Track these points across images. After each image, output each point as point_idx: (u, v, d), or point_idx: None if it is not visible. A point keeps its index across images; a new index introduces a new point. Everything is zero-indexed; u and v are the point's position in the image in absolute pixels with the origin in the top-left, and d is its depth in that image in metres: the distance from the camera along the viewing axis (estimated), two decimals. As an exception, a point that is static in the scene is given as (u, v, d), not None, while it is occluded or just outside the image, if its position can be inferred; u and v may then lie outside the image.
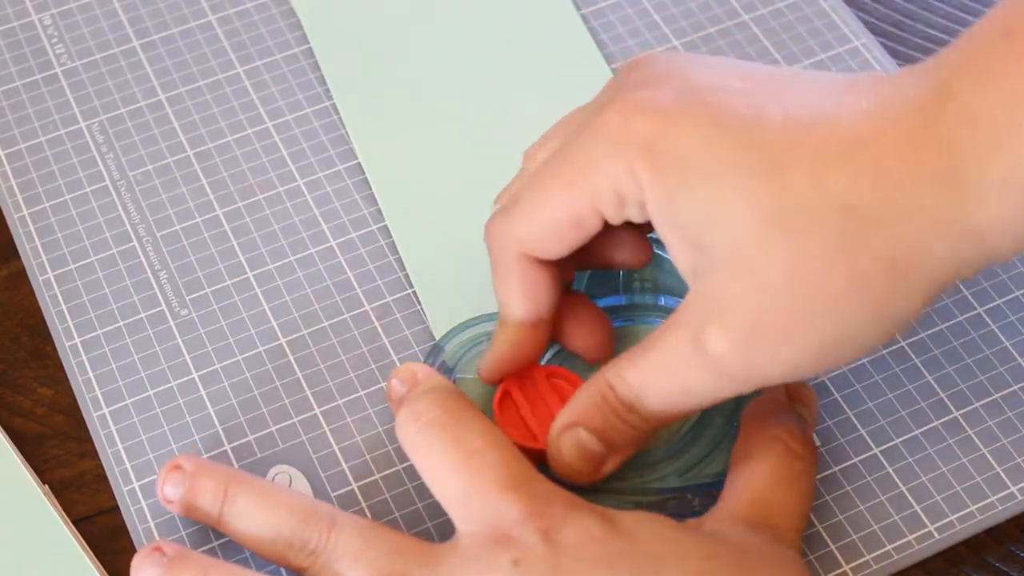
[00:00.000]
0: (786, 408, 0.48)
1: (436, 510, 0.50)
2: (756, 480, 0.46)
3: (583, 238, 0.46)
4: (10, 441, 0.51)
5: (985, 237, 0.41)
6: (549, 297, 0.47)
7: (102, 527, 0.50)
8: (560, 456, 0.46)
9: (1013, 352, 0.52)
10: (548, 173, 0.46)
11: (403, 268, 0.55)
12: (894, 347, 0.53)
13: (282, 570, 0.48)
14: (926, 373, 0.52)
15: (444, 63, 0.60)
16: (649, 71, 0.45)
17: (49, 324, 0.54)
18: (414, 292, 0.54)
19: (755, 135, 0.42)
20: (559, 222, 0.45)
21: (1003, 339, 0.53)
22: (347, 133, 0.58)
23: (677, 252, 0.44)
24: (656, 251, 0.50)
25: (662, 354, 0.44)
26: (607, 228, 0.46)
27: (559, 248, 0.46)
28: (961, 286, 0.54)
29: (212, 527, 0.47)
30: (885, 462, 0.50)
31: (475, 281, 0.53)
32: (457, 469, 0.44)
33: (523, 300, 0.47)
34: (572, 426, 0.46)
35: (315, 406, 0.52)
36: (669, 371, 0.44)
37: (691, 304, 0.43)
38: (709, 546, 0.44)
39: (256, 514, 0.45)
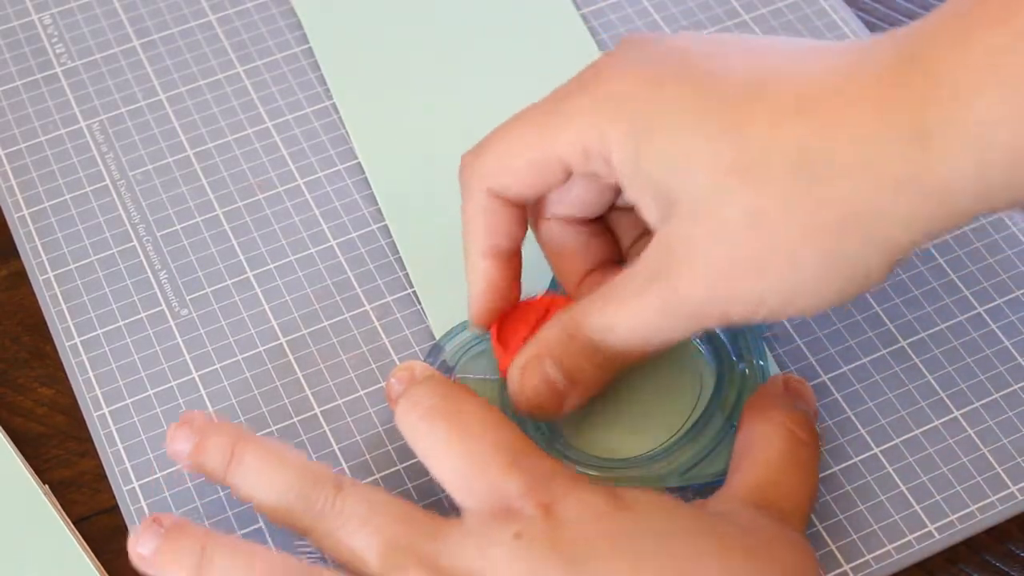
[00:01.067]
0: (788, 399, 0.48)
1: (437, 509, 0.50)
2: (761, 465, 0.46)
3: (547, 185, 0.47)
4: (10, 441, 0.51)
5: (950, 195, 0.41)
6: (514, 234, 0.49)
7: (102, 527, 0.50)
8: (523, 390, 0.47)
9: (1013, 352, 0.52)
10: (523, 116, 0.47)
11: (403, 268, 0.55)
12: (894, 347, 0.53)
13: (292, 544, 0.48)
14: (926, 373, 0.52)
15: (444, 62, 0.60)
16: (638, 45, 0.47)
17: (49, 324, 0.54)
18: (414, 292, 0.54)
19: (719, 90, 0.43)
20: (524, 163, 0.47)
21: (1003, 339, 0.53)
22: (347, 133, 0.58)
23: (643, 205, 0.45)
24: None
25: (626, 297, 0.45)
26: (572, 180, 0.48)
27: (522, 189, 0.47)
28: (961, 286, 0.54)
29: (219, 485, 0.47)
30: (885, 462, 0.50)
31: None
32: (458, 451, 0.45)
33: (486, 235, 0.48)
34: (538, 358, 0.47)
35: (315, 406, 0.52)
36: (633, 312, 0.45)
37: (655, 249, 0.44)
38: (716, 524, 0.44)
39: (262, 474, 0.45)
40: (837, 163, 0.41)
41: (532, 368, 0.47)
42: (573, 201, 0.49)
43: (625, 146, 0.44)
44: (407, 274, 0.55)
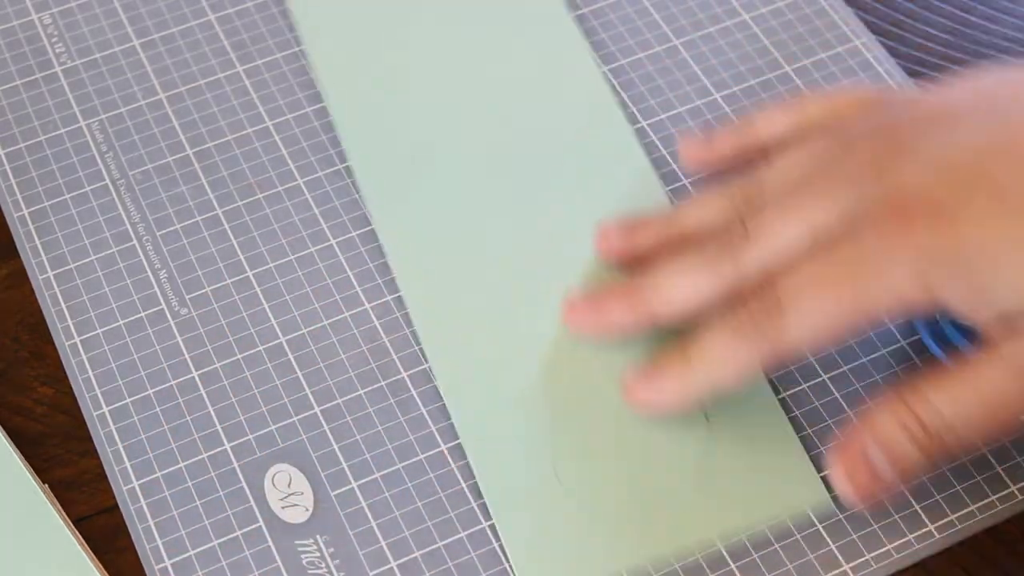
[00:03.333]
0: None
1: (436, 508, 0.50)
2: None
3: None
4: (10, 441, 0.51)
5: None
6: None
7: (102, 527, 0.50)
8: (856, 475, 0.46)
9: (1013, 351, 0.52)
10: (827, 281, 0.46)
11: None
12: (894, 347, 0.53)
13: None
14: (926, 372, 0.52)
15: (435, 62, 0.60)
16: (884, 132, 0.46)
17: (49, 323, 0.54)
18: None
19: None
20: (832, 328, 0.46)
21: (1003, 338, 0.53)
22: (338, 135, 0.58)
23: (978, 321, 0.45)
24: None
25: (986, 386, 0.45)
26: None
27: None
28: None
29: None
30: (885, 461, 0.50)
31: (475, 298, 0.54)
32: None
33: None
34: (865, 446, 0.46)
35: (315, 405, 0.52)
36: (993, 403, 0.44)
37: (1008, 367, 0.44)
38: None
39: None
40: None
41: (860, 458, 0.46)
42: None
43: (953, 290, 0.44)
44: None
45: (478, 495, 0.50)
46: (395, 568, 0.49)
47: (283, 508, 0.50)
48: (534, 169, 0.57)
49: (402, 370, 0.53)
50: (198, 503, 0.50)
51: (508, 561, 0.49)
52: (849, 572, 0.48)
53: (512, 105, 0.59)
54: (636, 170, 0.57)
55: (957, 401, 0.45)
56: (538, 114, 0.58)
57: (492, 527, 0.49)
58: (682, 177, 0.57)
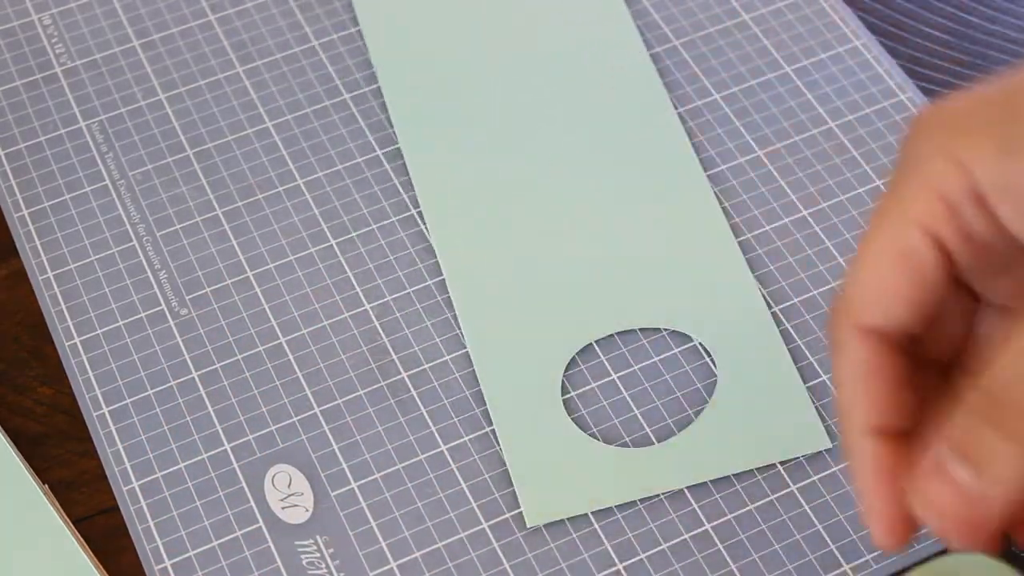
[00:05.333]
0: None
1: (436, 508, 0.50)
2: None
3: (927, 285, 0.36)
4: (10, 441, 0.51)
5: None
6: (904, 388, 0.36)
7: (102, 527, 0.50)
8: (919, 500, 0.35)
9: (1013, 352, 0.52)
10: (869, 226, 0.37)
11: (402, 268, 0.55)
12: (894, 347, 0.53)
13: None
14: (926, 373, 0.52)
15: (498, 73, 0.60)
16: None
17: (49, 324, 0.54)
18: (413, 292, 0.54)
19: None
20: (887, 267, 0.36)
21: (1003, 339, 0.53)
22: (394, 131, 0.59)
23: None
24: None
25: None
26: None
27: (900, 307, 0.36)
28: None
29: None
30: (885, 462, 0.50)
31: (514, 291, 0.54)
32: None
33: (861, 395, 0.36)
34: (941, 457, 0.34)
35: (315, 405, 0.52)
36: None
37: None
38: None
39: None
40: None
41: (930, 471, 0.34)
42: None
43: (989, 161, 0.34)
44: (407, 273, 0.55)
45: (478, 495, 0.50)
46: (395, 568, 0.49)
47: (283, 508, 0.50)
48: (577, 155, 0.57)
49: (402, 371, 0.53)
50: (198, 503, 0.50)
51: (507, 561, 0.49)
52: (849, 572, 0.48)
53: (554, 86, 0.59)
54: (675, 146, 0.57)
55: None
56: (581, 91, 0.59)
57: (492, 527, 0.49)
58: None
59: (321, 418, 0.52)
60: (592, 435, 0.51)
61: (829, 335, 0.37)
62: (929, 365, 0.38)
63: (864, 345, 0.36)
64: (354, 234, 0.56)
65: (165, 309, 0.54)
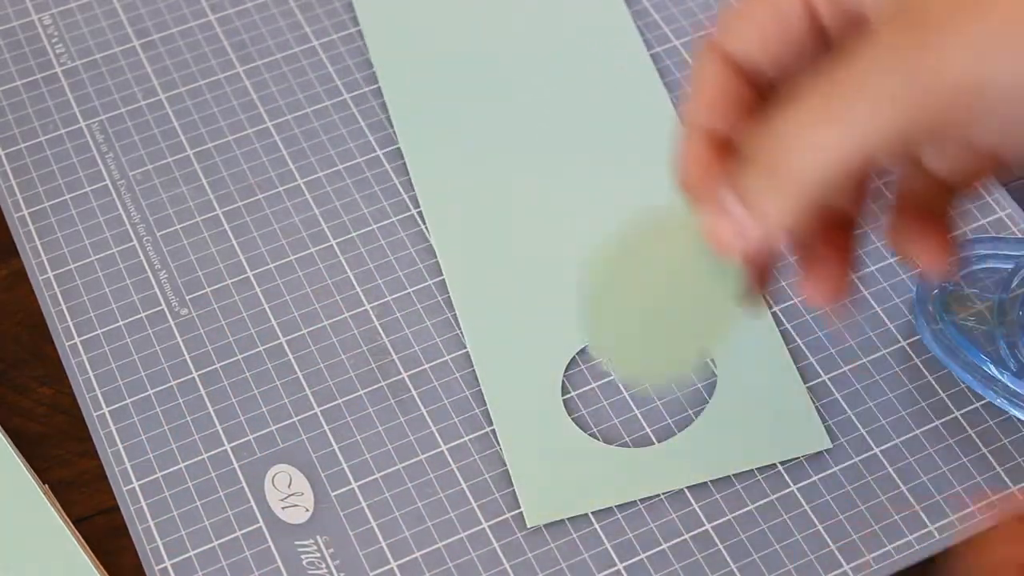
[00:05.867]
0: None
1: (436, 508, 0.50)
2: None
3: (787, 31, 0.39)
4: (10, 441, 0.51)
5: None
6: (741, 107, 0.40)
7: (102, 527, 0.50)
8: (706, 216, 0.39)
9: (1013, 352, 0.52)
10: None
11: (401, 268, 0.55)
12: (894, 347, 0.53)
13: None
14: (926, 373, 0.52)
15: (501, 77, 0.60)
16: None
17: (49, 324, 0.54)
18: (413, 292, 0.54)
19: None
20: (758, 8, 0.39)
21: (1003, 339, 0.53)
22: (396, 132, 0.59)
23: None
24: None
25: (810, 83, 0.37)
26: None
27: (757, 43, 0.39)
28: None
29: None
30: (885, 462, 0.50)
31: (513, 288, 0.54)
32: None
33: (706, 102, 0.40)
34: (725, 188, 0.39)
35: (315, 405, 0.52)
36: (821, 96, 0.36)
37: (893, 24, 0.36)
38: None
39: None
40: None
41: (716, 197, 0.39)
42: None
43: None
44: (407, 273, 0.55)
45: (478, 495, 0.50)
46: (395, 568, 0.49)
47: (283, 508, 0.50)
48: (577, 155, 0.58)
49: (402, 371, 0.53)
50: (198, 503, 0.50)
51: (507, 561, 0.49)
52: (849, 572, 0.48)
53: (554, 86, 0.59)
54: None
55: (815, 116, 0.36)
56: (581, 90, 0.59)
57: (492, 527, 0.49)
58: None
59: (321, 418, 0.52)
60: (592, 435, 0.51)
61: (698, 56, 0.41)
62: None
63: (721, 66, 0.40)
64: (354, 234, 0.56)
65: (165, 309, 0.54)
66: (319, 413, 0.52)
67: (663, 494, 0.50)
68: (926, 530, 0.49)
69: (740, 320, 0.42)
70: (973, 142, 0.37)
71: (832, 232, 0.41)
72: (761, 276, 0.42)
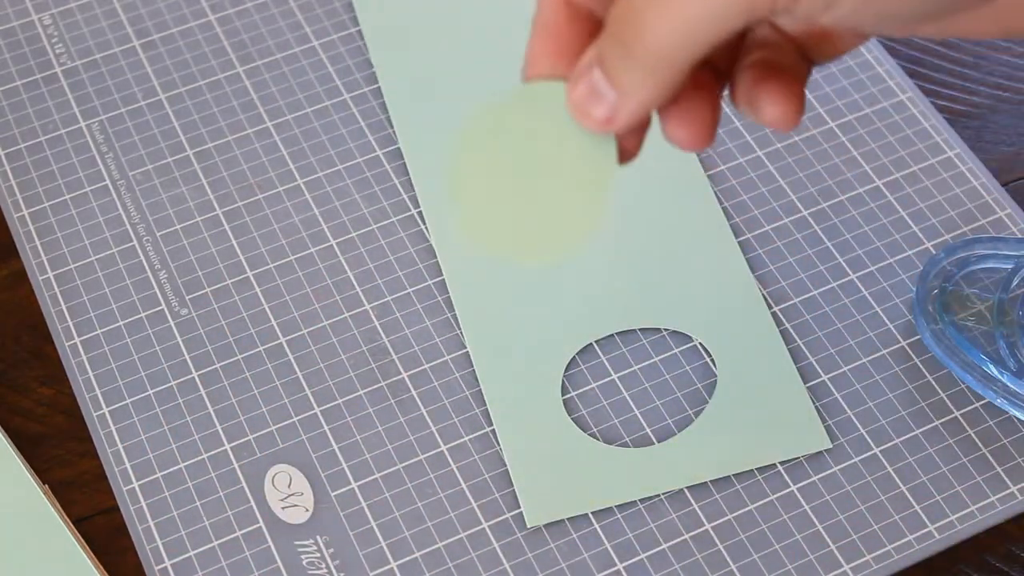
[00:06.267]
0: None
1: (436, 508, 0.50)
2: None
3: None
4: (10, 441, 0.51)
5: None
6: None
7: (102, 527, 0.50)
8: (570, 97, 0.40)
9: (1013, 352, 0.52)
10: None
11: (401, 268, 0.55)
12: (894, 347, 0.53)
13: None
14: (926, 373, 0.52)
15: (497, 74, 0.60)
16: None
17: (49, 324, 0.54)
18: (413, 292, 0.54)
19: None
20: None
21: (1003, 339, 0.53)
22: (395, 132, 0.59)
23: None
24: None
25: None
26: None
27: None
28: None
29: None
30: (885, 462, 0.50)
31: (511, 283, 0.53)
32: None
33: None
34: (587, 64, 0.40)
35: (315, 405, 0.52)
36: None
37: None
38: None
39: None
40: None
41: (580, 75, 0.40)
42: None
43: None
44: (406, 273, 0.55)
45: (478, 495, 0.50)
46: (395, 568, 0.49)
47: (283, 508, 0.50)
48: None
49: (402, 371, 0.53)
50: (198, 504, 0.50)
51: (507, 561, 0.49)
52: (849, 572, 0.48)
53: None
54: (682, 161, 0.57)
55: None
56: None
57: (492, 527, 0.49)
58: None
59: (321, 418, 0.52)
60: (592, 435, 0.51)
61: None
62: None
63: None
64: (354, 234, 0.56)
65: (165, 309, 0.54)
66: (319, 413, 0.52)
67: (663, 494, 0.50)
68: (926, 530, 0.49)
69: (612, 191, 0.41)
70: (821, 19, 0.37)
71: (695, 74, 0.41)
72: (634, 139, 0.42)
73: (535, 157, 0.42)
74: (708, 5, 0.36)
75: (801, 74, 0.41)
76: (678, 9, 0.37)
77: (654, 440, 0.51)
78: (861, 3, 0.36)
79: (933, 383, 0.52)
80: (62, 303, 0.54)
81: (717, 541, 0.49)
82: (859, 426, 0.51)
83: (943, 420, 0.51)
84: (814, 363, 0.52)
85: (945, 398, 0.52)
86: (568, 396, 0.52)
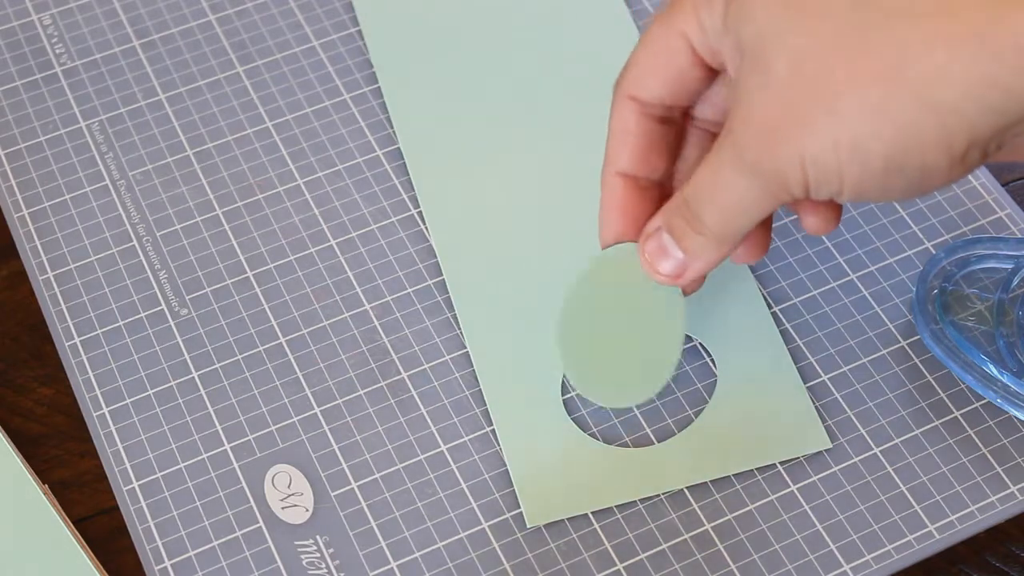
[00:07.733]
0: None
1: (436, 508, 0.50)
2: None
3: (680, 75, 0.46)
4: (10, 441, 0.51)
5: (1017, 56, 0.37)
6: (653, 151, 0.47)
7: (102, 527, 0.50)
8: (643, 254, 0.47)
9: (1013, 352, 0.52)
10: (649, 28, 0.46)
11: (401, 268, 0.55)
12: (894, 347, 0.53)
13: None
14: (926, 373, 0.52)
15: (501, 70, 0.60)
16: None
17: (49, 324, 0.54)
18: (413, 292, 0.54)
19: None
20: (653, 54, 0.46)
21: (1003, 339, 0.53)
22: (395, 131, 0.59)
23: (728, 62, 0.44)
24: None
25: (708, 162, 0.44)
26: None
27: (657, 84, 0.46)
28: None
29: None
30: (885, 462, 0.50)
31: (513, 288, 0.54)
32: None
33: (619, 147, 0.47)
34: (657, 229, 0.47)
35: (315, 405, 0.52)
36: (714, 178, 0.43)
37: (729, 108, 0.43)
38: None
39: None
40: (898, 5, 0.38)
41: (651, 236, 0.47)
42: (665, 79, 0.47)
43: (718, 6, 0.43)
44: (406, 273, 0.55)
45: (478, 495, 0.50)
46: (395, 568, 0.49)
47: (283, 508, 0.50)
48: (577, 156, 0.57)
49: (402, 371, 0.53)
50: (198, 504, 0.50)
51: (507, 561, 0.49)
52: (849, 572, 0.48)
53: (554, 86, 0.59)
54: None
55: (695, 179, 0.45)
56: (581, 91, 0.59)
57: (492, 527, 0.49)
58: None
59: (321, 418, 0.52)
60: (592, 435, 0.51)
61: (612, 101, 0.48)
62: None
63: (629, 108, 0.47)
64: (354, 234, 0.56)
65: (165, 309, 0.54)
66: (319, 413, 0.52)
67: (663, 494, 0.50)
68: (926, 530, 0.49)
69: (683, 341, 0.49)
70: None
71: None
72: (694, 285, 0.50)
73: (619, 314, 0.50)
74: (743, 201, 0.43)
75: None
76: (722, 201, 0.44)
77: (654, 440, 0.51)
78: (856, 195, 0.41)
79: (933, 383, 0.52)
80: (62, 303, 0.54)
81: (717, 541, 0.49)
82: (859, 426, 0.51)
83: (943, 420, 0.51)
84: (814, 363, 0.52)
85: (945, 398, 0.52)
86: (568, 396, 0.52)
